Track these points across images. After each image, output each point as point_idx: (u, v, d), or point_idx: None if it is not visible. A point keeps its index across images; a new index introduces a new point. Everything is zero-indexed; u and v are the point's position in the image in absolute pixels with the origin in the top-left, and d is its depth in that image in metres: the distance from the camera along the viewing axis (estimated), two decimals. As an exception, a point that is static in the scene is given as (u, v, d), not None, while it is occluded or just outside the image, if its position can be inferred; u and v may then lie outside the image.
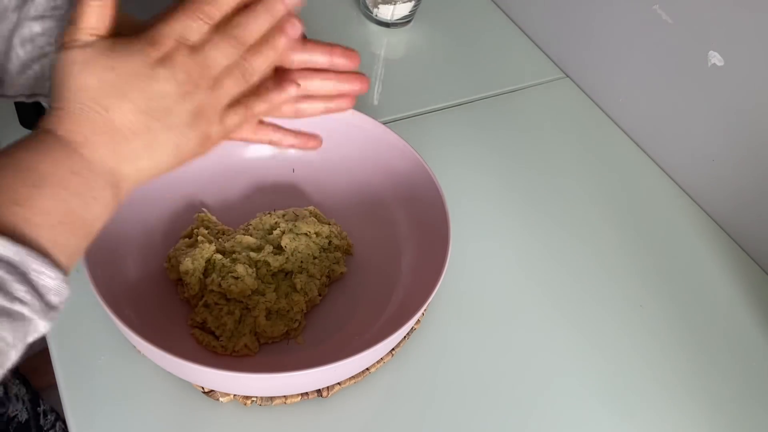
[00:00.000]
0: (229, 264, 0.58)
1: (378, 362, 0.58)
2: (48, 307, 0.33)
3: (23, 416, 0.85)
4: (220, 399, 0.55)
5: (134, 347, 0.57)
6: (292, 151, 0.70)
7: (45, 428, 0.91)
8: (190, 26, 0.38)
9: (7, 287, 0.31)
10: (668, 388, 0.63)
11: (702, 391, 0.64)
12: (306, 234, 0.62)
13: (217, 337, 0.57)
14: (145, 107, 0.38)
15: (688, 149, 0.80)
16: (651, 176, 0.84)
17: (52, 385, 0.56)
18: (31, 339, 0.33)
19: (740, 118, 0.73)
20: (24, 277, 0.32)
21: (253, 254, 0.60)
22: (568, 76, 0.95)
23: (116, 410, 0.54)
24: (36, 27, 0.45)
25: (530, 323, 0.66)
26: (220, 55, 0.39)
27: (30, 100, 0.50)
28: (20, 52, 0.46)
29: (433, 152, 0.66)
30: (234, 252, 0.60)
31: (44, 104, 0.68)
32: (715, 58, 0.73)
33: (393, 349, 0.59)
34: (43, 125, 0.37)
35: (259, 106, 0.43)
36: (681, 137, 0.81)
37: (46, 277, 0.33)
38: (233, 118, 0.42)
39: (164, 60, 0.38)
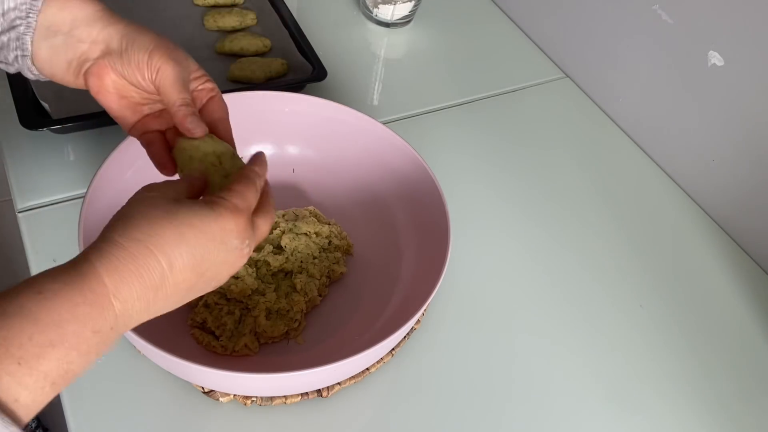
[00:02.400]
0: None
1: (378, 362, 0.58)
2: None
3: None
4: (220, 399, 0.55)
5: (133, 347, 0.57)
6: (292, 151, 0.70)
7: None
8: (252, 201, 0.41)
9: None
10: (668, 387, 0.63)
11: (702, 390, 0.64)
12: (306, 234, 0.62)
13: (217, 337, 0.57)
14: (203, 271, 0.38)
15: (688, 149, 0.80)
16: (651, 176, 0.84)
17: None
18: None
19: (740, 118, 0.73)
20: None
21: (252, 254, 0.60)
22: (568, 76, 0.95)
23: (116, 410, 0.54)
24: (10, 2, 0.47)
25: (530, 323, 0.66)
26: (267, 230, 0.43)
27: None
28: None
29: (433, 152, 0.66)
30: None
31: (43, 104, 0.68)
32: (715, 58, 0.73)
33: (393, 348, 0.59)
34: (90, 257, 0.35)
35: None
36: (681, 137, 0.81)
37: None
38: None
39: (241, 232, 0.40)
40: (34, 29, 0.48)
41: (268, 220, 0.43)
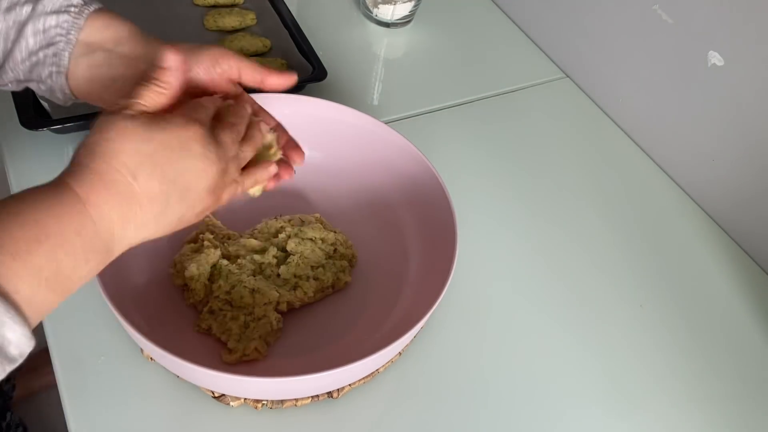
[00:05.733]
0: (237, 271, 0.58)
1: (386, 362, 0.58)
2: (6, 359, 0.34)
3: None
4: (231, 403, 0.55)
5: (135, 349, 0.57)
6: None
7: None
8: (209, 112, 0.45)
9: None
10: (668, 387, 0.63)
11: (702, 390, 0.64)
12: (312, 239, 0.62)
13: (224, 343, 0.57)
14: (171, 178, 0.41)
15: (688, 149, 0.80)
16: (651, 176, 0.84)
17: (52, 386, 0.56)
18: None
19: (740, 118, 0.73)
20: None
21: (257, 257, 0.60)
22: (568, 76, 0.95)
23: (118, 413, 0.54)
24: (51, 20, 0.48)
25: (532, 322, 0.66)
26: (230, 142, 0.45)
27: (20, 87, 0.52)
28: (30, 41, 0.49)
29: (433, 152, 0.66)
30: (239, 256, 0.60)
31: (43, 104, 0.68)
32: (715, 58, 0.73)
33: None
34: (63, 177, 0.39)
35: (248, 183, 0.49)
36: (681, 137, 0.81)
37: (10, 331, 0.34)
38: (226, 195, 0.47)
39: (198, 139, 0.42)
40: (74, 45, 0.49)
41: (229, 134, 0.45)
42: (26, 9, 0.48)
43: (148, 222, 0.41)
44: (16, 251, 0.35)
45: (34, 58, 0.49)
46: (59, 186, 0.38)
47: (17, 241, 0.35)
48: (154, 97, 0.43)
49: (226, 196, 0.47)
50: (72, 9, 0.49)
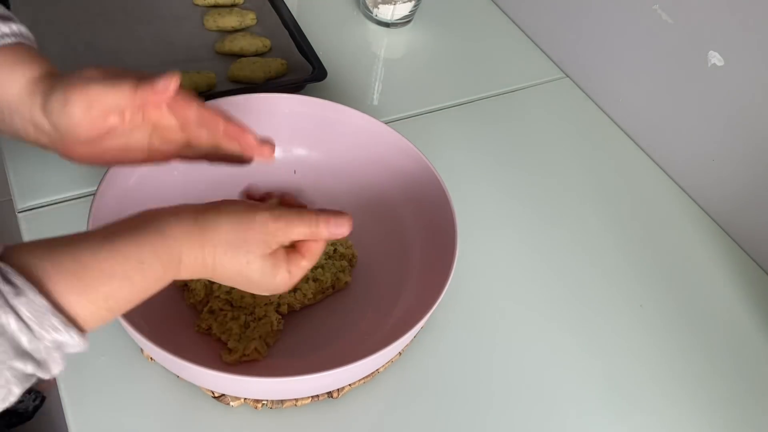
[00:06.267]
0: None
1: (386, 362, 0.58)
2: (52, 373, 0.37)
3: None
4: (231, 403, 0.55)
5: (135, 349, 0.57)
6: (293, 153, 0.70)
7: None
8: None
9: (49, 365, 0.36)
10: (668, 387, 0.63)
11: (702, 390, 0.64)
12: None
13: (224, 343, 0.57)
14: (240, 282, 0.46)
15: (688, 149, 0.80)
16: (651, 176, 0.84)
17: (52, 386, 0.56)
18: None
19: (740, 118, 0.73)
20: (61, 353, 0.36)
21: None
22: (568, 76, 0.95)
23: (118, 413, 0.54)
24: None
25: (532, 322, 0.66)
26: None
27: None
28: None
29: (433, 152, 0.66)
30: None
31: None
32: (715, 58, 0.73)
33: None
34: (174, 232, 0.42)
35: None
36: (681, 137, 0.81)
37: (72, 350, 0.37)
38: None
39: (281, 287, 0.47)
40: None
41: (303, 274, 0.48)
42: None
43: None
44: (109, 294, 0.38)
45: None
46: (169, 255, 0.41)
47: (114, 282, 0.38)
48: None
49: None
50: None
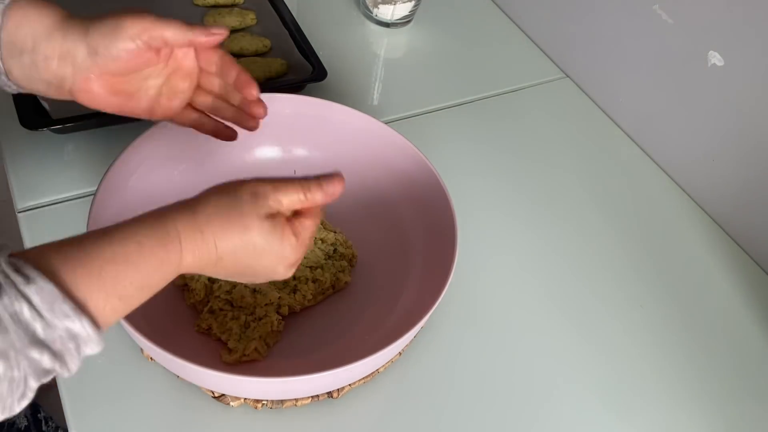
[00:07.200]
0: None
1: (386, 362, 0.58)
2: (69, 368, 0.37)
3: (23, 423, 0.84)
4: (231, 403, 0.55)
5: (135, 349, 0.57)
6: (293, 153, 0.70)
7: None
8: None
9: (65, 358, 0.36)
10: (669, 387, 0.63)
11: (702, 390, 0.64)
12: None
13: (224, 343, 0.57)
14: (243, 268, 0.45)
15: (688, 149, 0.80)
16: (651, 176, 0.84)
17: (52, 386, 0.56)
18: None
19: (740, 118, 0.73)
20: (78, 350, 0.37)
21: None
22: (568, 76, 0.95)
23: (118, 413, 0.54)
24: None
25: (532, 321, 0.66)
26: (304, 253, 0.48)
27: None
28: None
29: (433, 152, 0.66)
30: None
31: (43, 104, 0.68)
32: (715, 58, 0.73)
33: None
34: (177, 224, 0.42)
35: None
36: (681, 137, 0.81)
37: (90, 350, 0.37)
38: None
39: (287, 267, 0.47)
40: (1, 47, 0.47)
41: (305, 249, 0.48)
42: None
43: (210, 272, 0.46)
44: (123, 294, 0.39)
45: None
46: (172, 245, 0.42)
47: (126, 285, 0.39)
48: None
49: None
50: None
